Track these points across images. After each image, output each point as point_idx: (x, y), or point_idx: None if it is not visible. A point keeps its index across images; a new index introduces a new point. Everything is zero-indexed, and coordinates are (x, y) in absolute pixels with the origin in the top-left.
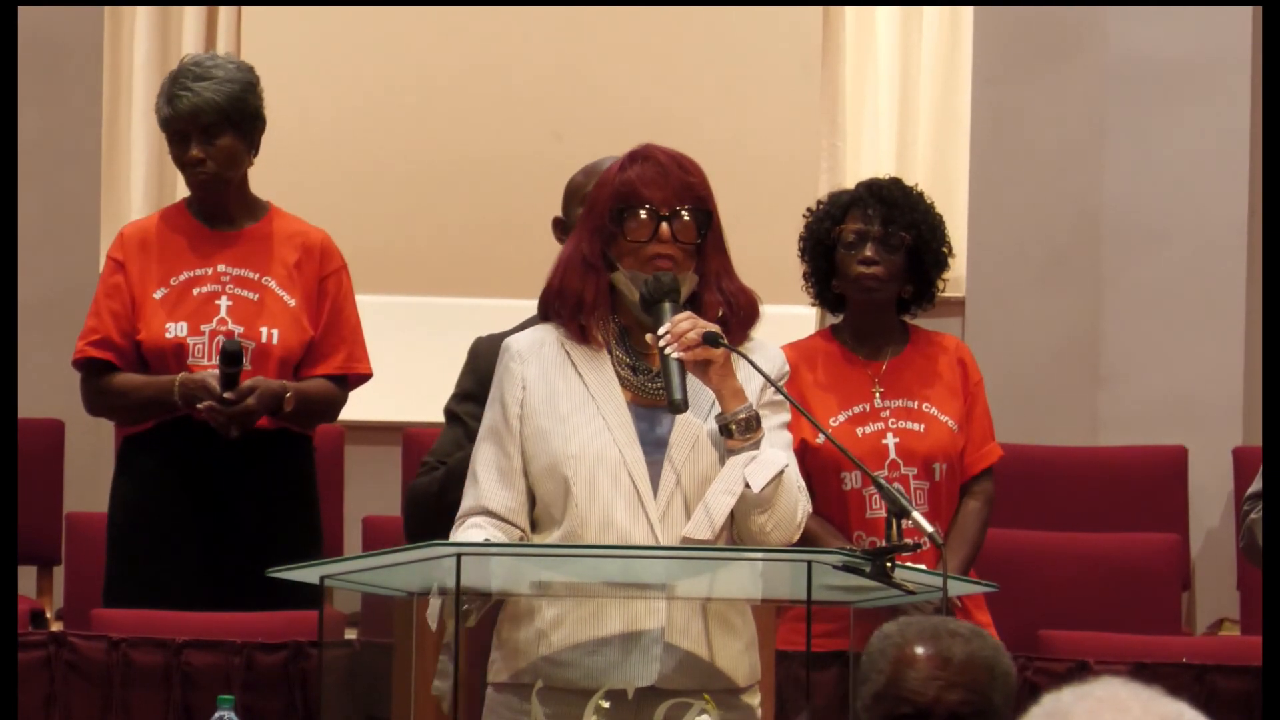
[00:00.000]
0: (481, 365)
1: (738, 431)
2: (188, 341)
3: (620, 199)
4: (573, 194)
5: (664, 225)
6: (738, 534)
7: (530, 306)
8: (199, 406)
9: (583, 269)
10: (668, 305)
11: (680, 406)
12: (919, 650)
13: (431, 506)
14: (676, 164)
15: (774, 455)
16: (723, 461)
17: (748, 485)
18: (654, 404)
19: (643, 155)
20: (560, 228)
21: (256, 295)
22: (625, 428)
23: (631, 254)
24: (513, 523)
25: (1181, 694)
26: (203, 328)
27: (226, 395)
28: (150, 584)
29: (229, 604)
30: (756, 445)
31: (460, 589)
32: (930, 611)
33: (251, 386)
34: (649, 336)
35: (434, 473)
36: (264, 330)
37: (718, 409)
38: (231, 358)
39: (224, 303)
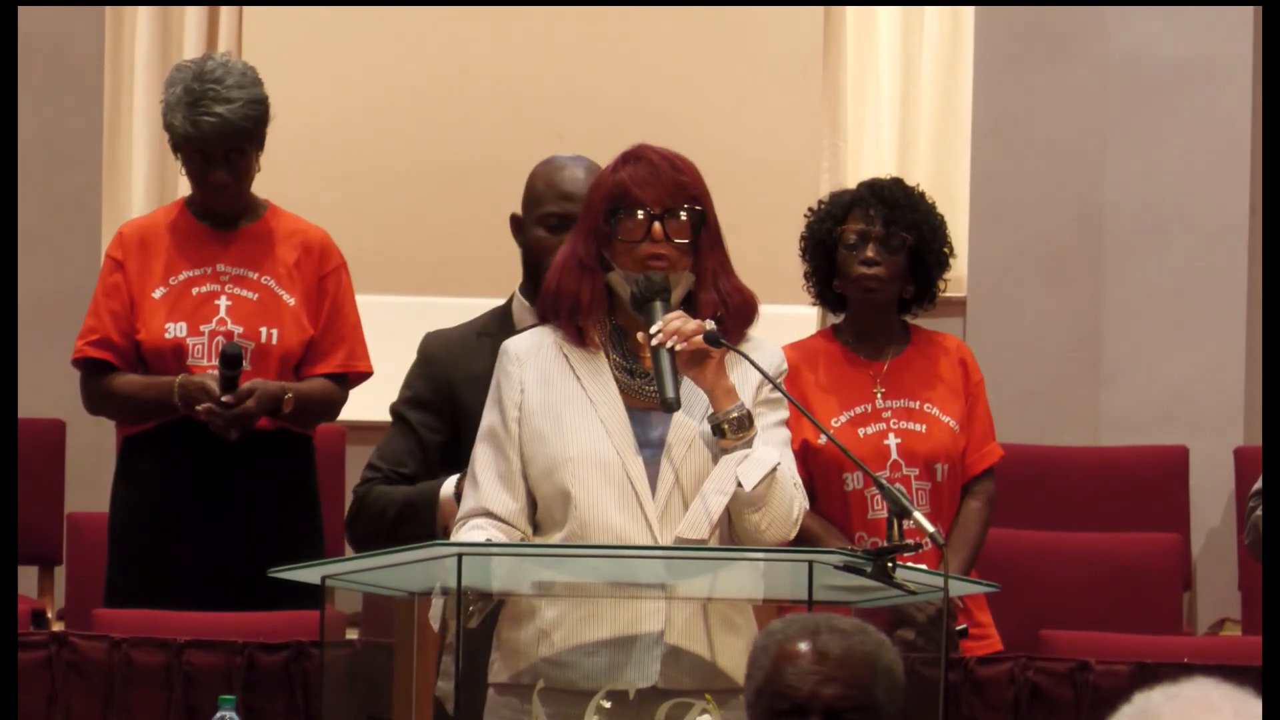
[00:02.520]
0: (435, 369)
1: (730, 431)
2: (187, 342)
3: (613, 200)
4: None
5: (657, 225)
6: (733, 533)
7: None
8: (198, 409)
9: (578, 271)
10: (658, 304)
11: (673, 405)
12: (797, 646)
13: (376, 528)
14: (669, 163)
15: (766, 453)
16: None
17: (740, 484)
18: (651, 406)
19: (635, 155)
20: (516, 225)
21: (256, 295)
22: (622, 430)
23: (626, 254)
24: (514, 525)
25: None
26: (202, 328)
27: (225, 398)
28: (152, 585)
29: (230, 604)
30: (749, 444)
31: (462, 589)
32: (930, 612)
33: (250, 389)
34: (640, 335)
35: (378, 484)
36: (263, 330)
37: (711, 409)
38: (231, 360)
39: (223, 302)
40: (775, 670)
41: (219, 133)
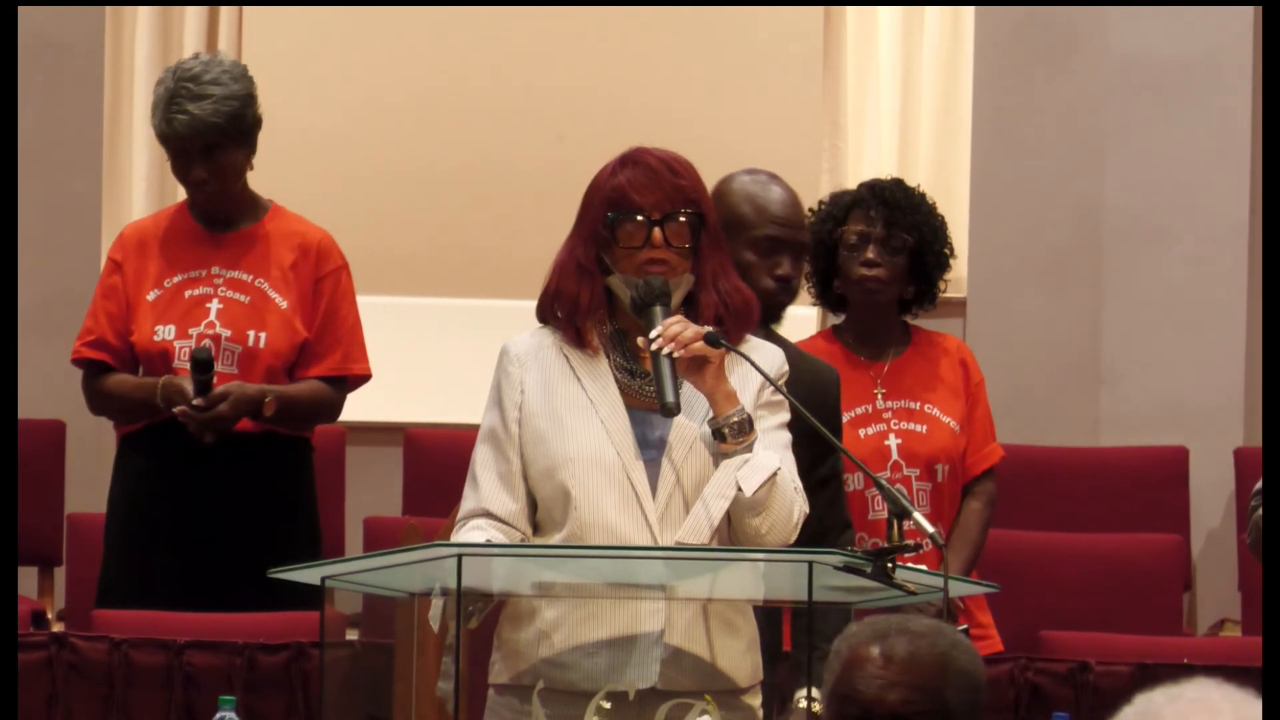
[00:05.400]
0: None
1: (730, 435)
2: (174, 345)
3: (612, 205)
4: None
5: (656, 230)
6: (733, 537)
7: (530, 307)
8: (174, 411)
9: (577, 274)
10: (658, 309)
11: (672, 410)
12: (867, 650)
13: None
14: (667, 167)
15: (766, 457)
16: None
17: (740, 489)
18: (652, 407)
19: (633, 159)
20: None
21: (248, 298)
22: (623, 431)
23: (625, 259)
24: (514, 526)
25: None
26: (191, 331)
27: (196, 401)
28: (141, 583)
29: (218, 606)
30: (750, 448)
31: (461, 590)
32: (931, 614)
33: (224, 393)
34: (640, 340)
35: None
36: (251, 334)
37: (711, 413)
38: (201, 365)
39: (214, 305)
40: (845, 675)
41: (191, 130)
